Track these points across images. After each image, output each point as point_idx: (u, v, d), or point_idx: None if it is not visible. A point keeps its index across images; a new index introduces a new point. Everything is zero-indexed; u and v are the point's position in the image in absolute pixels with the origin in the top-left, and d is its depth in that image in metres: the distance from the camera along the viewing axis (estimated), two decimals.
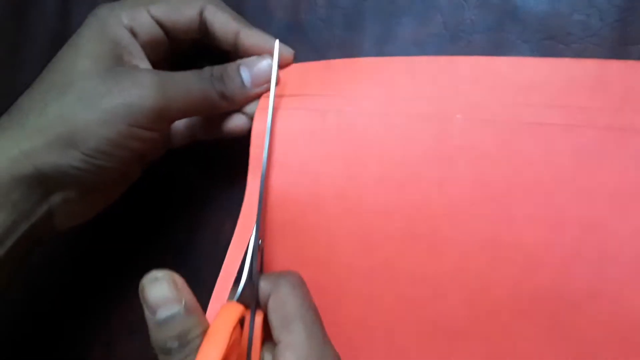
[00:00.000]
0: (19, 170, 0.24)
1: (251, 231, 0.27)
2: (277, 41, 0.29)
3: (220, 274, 0.27)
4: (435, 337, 0.28)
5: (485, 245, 0.27)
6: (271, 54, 0.29)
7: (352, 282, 0.29)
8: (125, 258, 0.35)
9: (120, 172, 0.27)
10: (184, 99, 0.27)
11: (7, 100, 0.31)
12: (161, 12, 0.28)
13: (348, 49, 0.31)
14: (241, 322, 0.25)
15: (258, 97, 0.30)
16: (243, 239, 0.27)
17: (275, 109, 0.29)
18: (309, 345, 0.24)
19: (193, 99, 0.27)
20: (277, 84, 0.29)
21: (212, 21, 0.29)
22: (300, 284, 0.26)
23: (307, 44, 0.32)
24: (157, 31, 0.29)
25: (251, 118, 0.30)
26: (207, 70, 0.28)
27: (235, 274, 0.26)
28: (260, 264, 0.28)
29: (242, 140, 0.30)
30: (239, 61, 0.29)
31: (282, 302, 0.25)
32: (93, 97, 0.25)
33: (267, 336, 0.26)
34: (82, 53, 0.26)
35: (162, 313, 0.22)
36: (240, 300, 0.26)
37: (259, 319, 0.26)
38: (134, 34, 0.28)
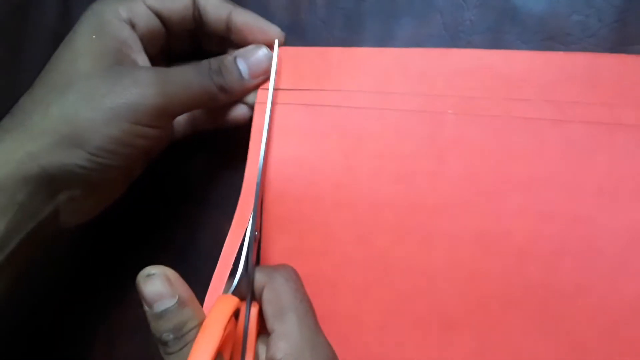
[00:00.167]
0: (25, 171, 0.25)
1: (247, 224, 0.28)
2: (276, 42, 0.30)
3: (217, 266, 0.27)
4: (428, 329, 0.28)
5: (476, 238, 0.28)
6: (265, 38, 0.30)
7: (347, 274, 0.29)
8: (125, 257, 0.35)
9: (125, 169, 0.27)
10: (184, 94, 0.27)
11: (7, 100, 0.31)
12: (157, 1, 0.29)
13: None
14: (236, 314, 0.25)
15: (256, 87, 0.30)
16: (240, 231, 0.28)
17: (273, 104, 0.30)
18: (302, 334, 0.25)
19: (193, 94, 0.28)
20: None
21: (205, 5, 0.29)
22: (294, 277, 0.27)
23: (307, 44, 0.32)
24: (155, 22, 0.29)
25: (251, 107, 0.30)
26: (204, 63, 0.29)
27: (230, 266, 0.27)
28: (256, 256, 0.29)
29: (242, 140, 0.30)
30: (234, 53, 0.29)
31: (276, 293, 0.26)
32: (95, 97, 0.25)
33: (262, 329, 0.27)
34: (82, 51, 0.27)
35: (158, 307, 0.24)
36: (236, 292, 0.27)
37: (254, 310, 0.27)
38: (132, 25, 0.28)
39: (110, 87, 0.26)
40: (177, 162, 0.34)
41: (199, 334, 0.23)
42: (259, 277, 0.27)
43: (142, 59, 0.28)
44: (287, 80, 0.30)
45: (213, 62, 0.29)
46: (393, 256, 0.29)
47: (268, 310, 0.26)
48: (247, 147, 0.30)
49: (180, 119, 0.31)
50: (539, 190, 0.27)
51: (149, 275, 0.24)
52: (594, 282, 0.26)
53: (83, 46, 0.27)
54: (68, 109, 0.25)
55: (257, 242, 0.29)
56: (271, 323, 0.26)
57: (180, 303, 0.24)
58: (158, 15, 0.29)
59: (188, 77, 0.28)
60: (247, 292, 0.27)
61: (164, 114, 0.27)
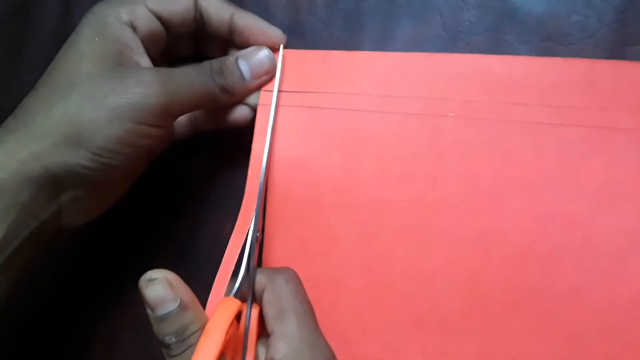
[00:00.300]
0: (28, 172, 0.25)
1: (249, 226, 0.28)
2: (281, 46, 0.30)
3: (220, 268, 0.27)
4: (428, 330, 0.28)
5: (475, 239, 0.28)
6: (266, 40, 0.30)
7: (348, 276, 0.29)
8: (126, 257, 0.35)
9: (127, 169, 0.27)
10: (186, 94, 0.27)
11: (8, 99, 0.31)
12: (158, 4, 0.29)
13: (348, 50, 0.31)
14: (238, 316, 0.25)
15: (258, 88, 0.30)
16: (242, 233, 0.28)
17: (276, 106, 0.30)
18: (301, 335, 0.25)
19: (195, 94, 0.28)
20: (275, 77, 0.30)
21: (207, 6, 0.29)
22: (295, 279, 0.27)
23: (307, 45, 0.32)
24: (156, 24, 0.29)
25: (253, 108, 0.30)
26: (206, 64, 0.29)
27: (232, 268, 0.27)
28: (258, 257, 0.29)
29: (243, 141, 0.30)
30: (236, 54, 0.30)
31: (276, 294, 0.26)
32: (98, 97, 0.25)
33: (263, 330, 0.27)
34: (84, 53, 0.27)
35: (160, 311, 0.24)
36: (238, 293, 0.27)
37: (255, 312, 0.27)
38: (133, 28, 0.28)
39: (112, 87, 0.26)
40: (177, 163, 0.34)
41: (202, 338, 0.23)
42: (260, 279, 0.27)
43: (144, 61, 0.28)
44: (289, 83, 0.30)
45: (215, 62, 0.29)
46: (393, 257, 0.29)
47: (268, 312, 0.26)
48: (248, 148, 0.30)
49: (182, 120, 0.31)
50: (538, 192, 0.27)
51: (150, 280, 0.24)
52: (592, 283, 0.27)
53: (86, 47, 0.27)
54: (71, 109, 0.25)
55: (258, 243, 0.29)
56: (271, 324, 0.26)
57: (182, 307, 0.24)
58: (159, 17, 0.29)
59: (190, 78, 0.28)
60: (248, 293, 0.27)
61: (166, 114, 0.27)
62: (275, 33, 0.30)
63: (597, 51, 0.28)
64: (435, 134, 0.29)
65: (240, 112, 0.31)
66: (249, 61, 0.29)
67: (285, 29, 0.31)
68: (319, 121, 0.30)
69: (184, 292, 0.24)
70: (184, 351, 0.24)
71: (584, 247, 0.27)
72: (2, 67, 0.37)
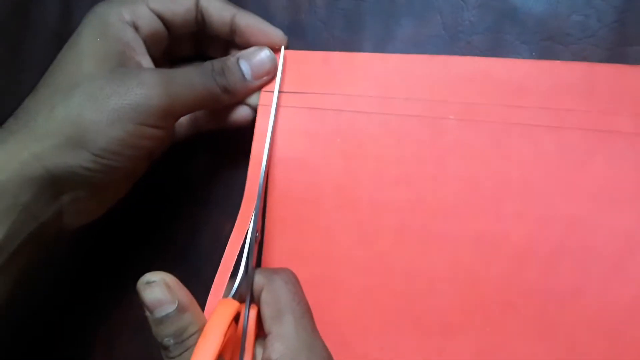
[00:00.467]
0: (30, 173, 0.25)
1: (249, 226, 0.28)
2: (282, 47, 0.30)
3: (219, 269, 0.27)
4: (428, 331, 0.28)
5: (475, 241, 0.28)
6: (267, 41, 0.30)
7: (347, 276, 0.29)
8: (126, 258, 0.35)
9: (128, 170, 0.27)
10: (188, 95, 0.27)
11: (8, 99, 0.31)
12: (159, 4, 0.29)
13: (348, 50, 0.31)
14: (236, 318, 0.25)
15: (259, 89, 0.30)
16: (241, 234, 0.28)
17: (276, 106, 0.30)
18: (298, 336, 0.25)
19: (197, 95, 0.28)
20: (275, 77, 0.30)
21: (208, 7, 0.29)
22: (293, 280, 0.27)
23: (307, 45, 0.32)
24: (157, 24, 0.29)
25: (253, 109, 0.31)
26: (207, 64, 0.29)
27: (231, 269, 0.27)
28: (257, 257, 0.29)
29: (243, 141, 0.30)
30: (237, 54, 0.30)
31: (274, 295, 0.26)
32: (100, 98, 0.25)
33: (261, 331, 0.27)
34: (86, 53, 0.27)
35: (158, 313, 0.24)
36: (237, 294, 0.27)
37: (253, 313, 0.27)
38: (135, 28, 0.28)
39: (114, 89, 0.26)
40: (178, 163, 0.34)
41: (200, 339, 0.23)
42: (258, 279, 0.27)
43: (146, 61, 0.28)
44: (290, 84, 0.30)
45: (216, 63, 0.29)
46: (393, 258, 0.29)
47: (266, 312, 0.26)
48: (249, 148, 0.30)
49: (183, 120, 0.31)
50: (537, 194, 0.28)
51: (148, 283, 0.24)
52: (591, 285, 0.27)
53: (87, 48, 0.27)
54: (72, 111, 0.25)
55: (257, 244, 0.29)
56: (268, 325, 0.26)
57: (180, 309, 0.24)
58: (161, 17, 0.29)
59: (191, 78, 0.28)
60: (246, 294, 0.27)
61: (168, 115, 0.27)
62: (276, 34, 0.30)
63: (597, 51, 0.28)
64: (435, 136, 0.29)
65: (241, 113, 0.31)
66: (250, 61, 0.29)
67: (285, 29, 0.31)
68: (320, 122, 0.30)
69: (182, 294, 0.25)
70: (182, 353, 0.24)
71: (584, 248, 0.27)
72: (1, 67, 0.37)
